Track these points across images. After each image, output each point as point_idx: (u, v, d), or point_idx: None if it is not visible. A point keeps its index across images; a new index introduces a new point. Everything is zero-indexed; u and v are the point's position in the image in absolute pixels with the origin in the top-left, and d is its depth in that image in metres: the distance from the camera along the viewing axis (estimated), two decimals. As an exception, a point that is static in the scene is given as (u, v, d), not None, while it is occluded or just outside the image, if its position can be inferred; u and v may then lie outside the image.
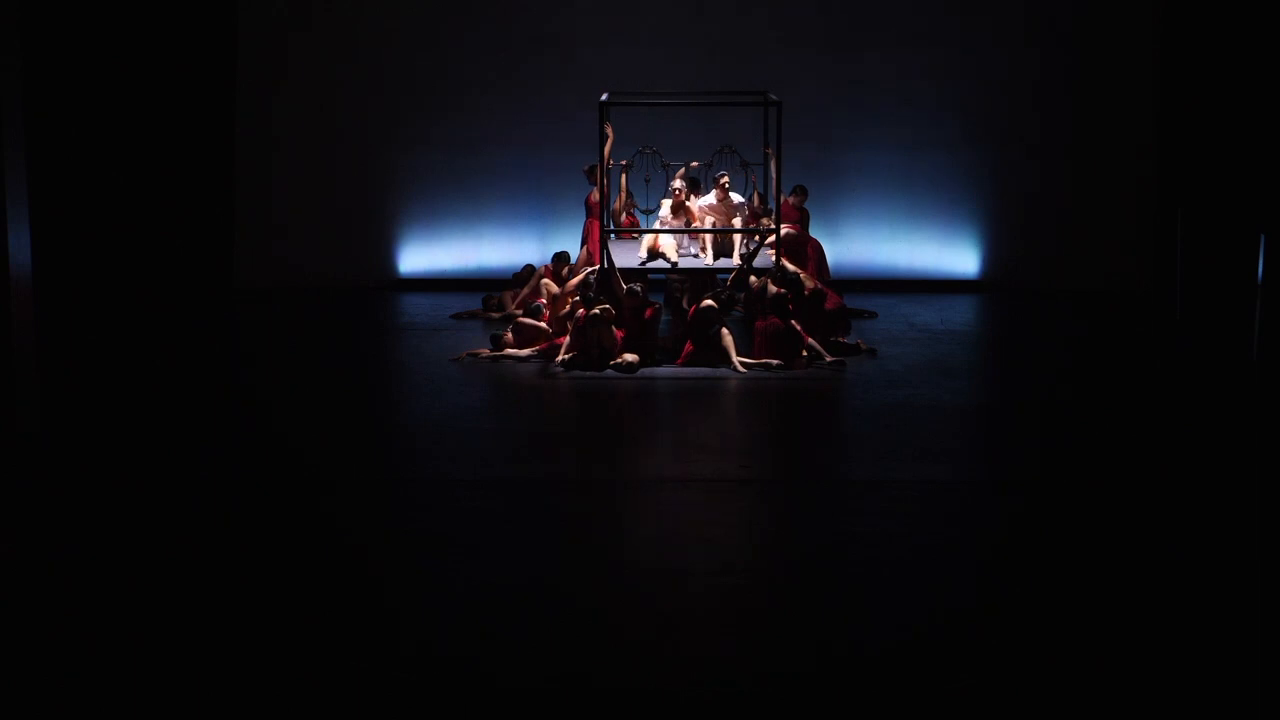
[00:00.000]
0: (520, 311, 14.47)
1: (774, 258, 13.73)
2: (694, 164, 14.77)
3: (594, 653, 7.38)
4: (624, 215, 14.73)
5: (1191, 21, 16.36)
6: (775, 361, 13.14)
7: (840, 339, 13.82)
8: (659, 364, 13.33)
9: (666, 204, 14.36)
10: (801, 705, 6.85)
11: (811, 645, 7.48)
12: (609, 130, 14.12)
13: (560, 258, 14.87)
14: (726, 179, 14.13)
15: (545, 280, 14.52)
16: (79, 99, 15.49)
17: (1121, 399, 12.32)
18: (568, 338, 13.39)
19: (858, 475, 10.38)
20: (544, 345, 13.61)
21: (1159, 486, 9.96)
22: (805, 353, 13.27)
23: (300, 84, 16.83)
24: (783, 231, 14.04)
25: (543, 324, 13.71)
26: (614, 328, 13.26)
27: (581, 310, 13.29)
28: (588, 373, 13.10)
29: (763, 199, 14.58)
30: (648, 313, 13.51)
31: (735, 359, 13.11)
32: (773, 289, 13.36)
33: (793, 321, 13.26)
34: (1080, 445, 11.01)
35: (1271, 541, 8.88)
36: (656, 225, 14.37)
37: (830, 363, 13.27)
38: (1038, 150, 16.87)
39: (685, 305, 13.81)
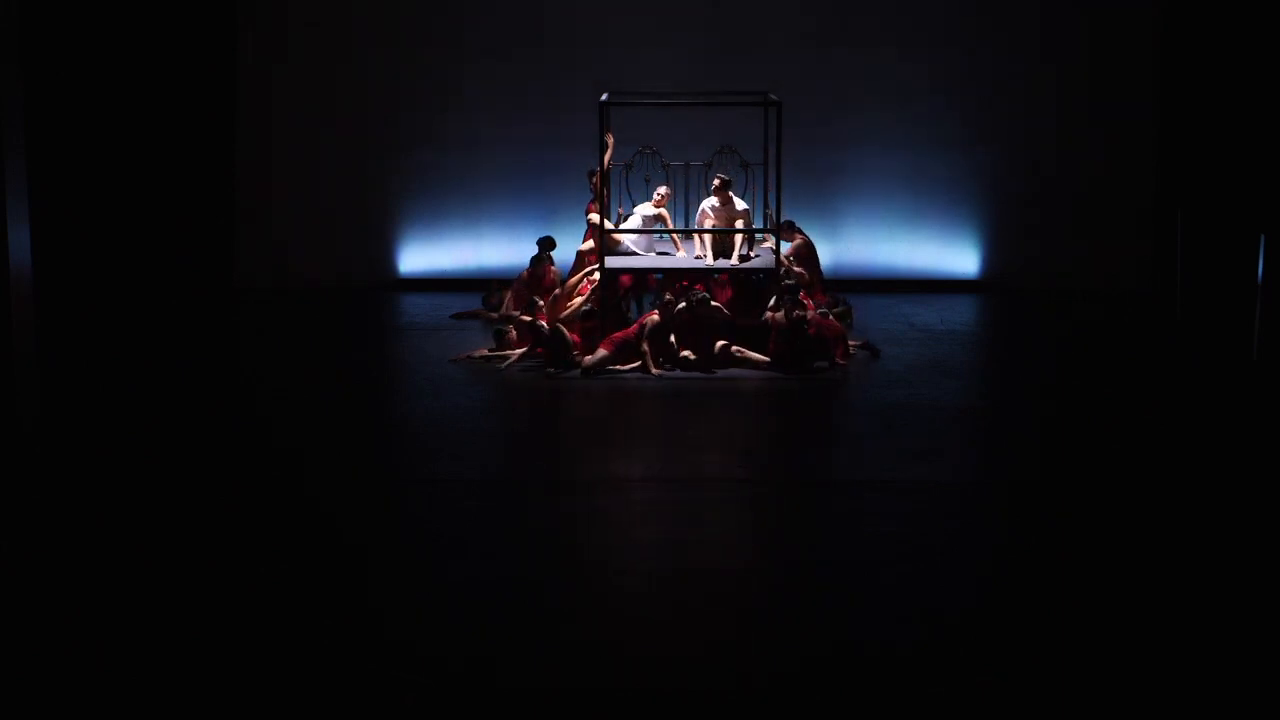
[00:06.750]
0: (519, 312, 14.44)
1: (775, 261, 13.75)
2: (694, 164, 14.80)
3: (594, 653, 7.38)
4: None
5: (1192, 23, 16.35)
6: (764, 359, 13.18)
7: (837, 360, 13.57)
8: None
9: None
10: (801, 706, 6.85)
11: (811, 645, 7.48)
12: (609, 139, 14.13)
13: (545, 243, 14.88)
14: (723, 180, 14.11)
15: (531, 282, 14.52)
16: (79, 99, 15.48)
17: (1121, 399, 12.32)
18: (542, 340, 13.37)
19: (858, 475, 10.38)
20: (543, 352, 13.52)
21: (1159, 486, 9.96)
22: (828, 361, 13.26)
23: (300, 84, 16.83)
24: (795, 244, 14.19)
25: (541, 322, 13.71)
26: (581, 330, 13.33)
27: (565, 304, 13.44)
28: (602, 373, 13.04)
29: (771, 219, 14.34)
30: (642, 320, 13.49)
31: (755, 356, 13.15)
32: (772, 316, 13.32)
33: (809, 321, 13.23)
34: (1080, 445, 11.02)
35: (1271, 541, 8.88)
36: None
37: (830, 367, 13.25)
38: (1038, 151, 16.86)
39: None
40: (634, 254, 14.24)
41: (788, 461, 11.18)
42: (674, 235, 14.33)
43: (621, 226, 14.28)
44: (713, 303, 13.46)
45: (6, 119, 9.71)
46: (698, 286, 13.72)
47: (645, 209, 14.30)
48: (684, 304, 13.27)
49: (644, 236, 14.27)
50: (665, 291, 13.62)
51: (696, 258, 14.10)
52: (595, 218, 14.20)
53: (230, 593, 8.07)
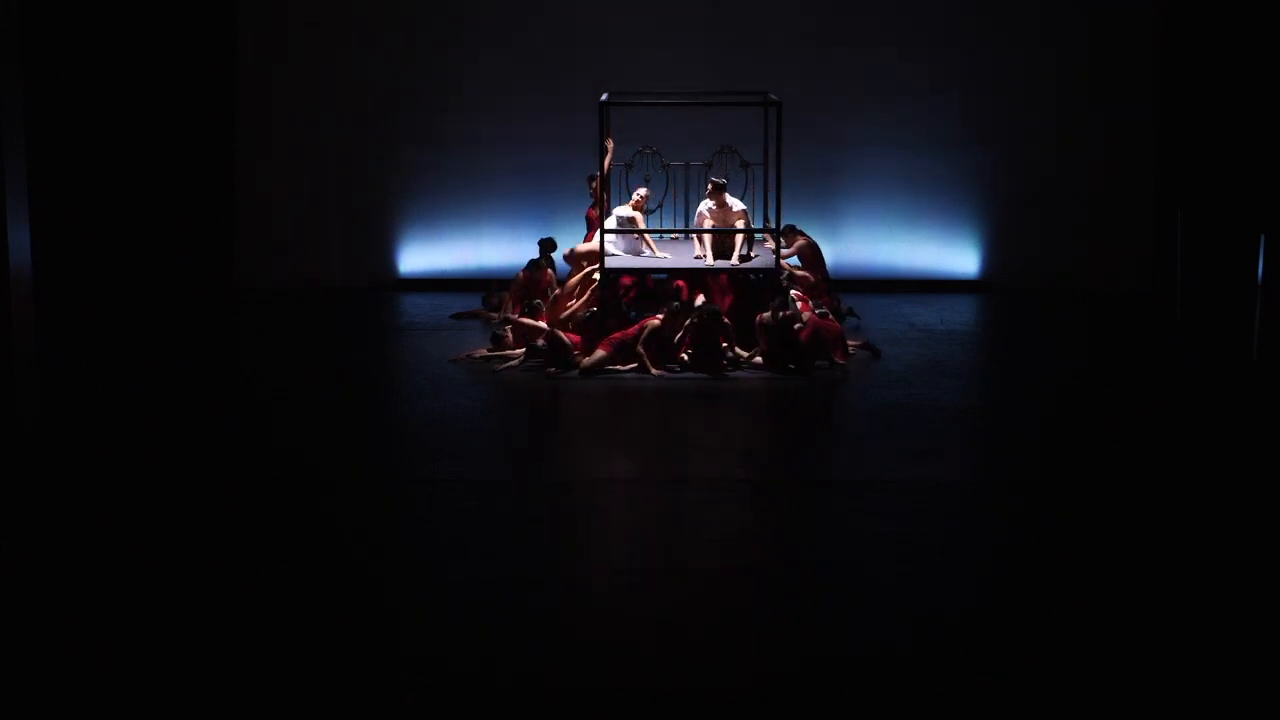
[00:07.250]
0: (518, 314, 14.42)
1: (775, 262, 13.74)
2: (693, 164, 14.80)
3: (594, 653, 7.38)
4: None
5: (1192, 22, 16.35)
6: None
7: (837, 360, 13.55)
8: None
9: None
10: (801, 706, 6.85)
11: (811, 645, 7.48)
12: (609, 144, 14.11)
13: (545, 245, 14.86)
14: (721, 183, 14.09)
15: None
16: (79, 99, 15.48)
17: (1121, 399, 12.32)
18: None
19: (858, 475, 10.38)
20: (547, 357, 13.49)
21: (1159, 487, 9.96)
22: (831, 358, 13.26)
23: (300, 84, 16.83)
24: (796, 245, 14.21)
25: (541, 323, 13.69)
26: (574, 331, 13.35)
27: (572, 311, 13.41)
28: (601, 373, 13.02)
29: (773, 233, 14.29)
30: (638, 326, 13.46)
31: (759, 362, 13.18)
32: (767, 319, 13.27)
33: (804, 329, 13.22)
34: (1080, 445, 11.02)
35: (1271, 541, 8.88)
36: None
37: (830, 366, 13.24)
38: (1038, 151, 16.86)
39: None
40: (615, 255, 14.21)
41: (788, 461, 11.18)
42: (646, 237, 14.27)
43: (603, 227, 14.20)
44: (724, 319, 13.39)
45: (6, 119, 9.71)
46: (698, 295, 13.73)
47: (623, 210, 14.30)
48: (693, 320, 13.24)
49: (625, 237, 14.24)
50: (671, 297, 13.60)
51: (696, 258, 14.09)
52: (580, 246, 14.29)
53: (230, 593, 8.07)
